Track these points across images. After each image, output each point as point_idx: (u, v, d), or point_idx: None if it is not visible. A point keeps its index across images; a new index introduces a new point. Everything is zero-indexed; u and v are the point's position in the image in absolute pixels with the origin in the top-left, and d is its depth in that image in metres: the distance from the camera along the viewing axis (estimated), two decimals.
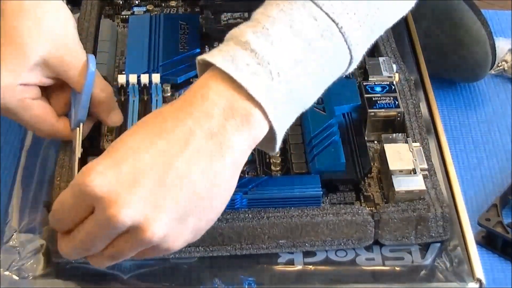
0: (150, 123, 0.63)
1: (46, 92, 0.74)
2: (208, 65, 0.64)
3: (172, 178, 0.61)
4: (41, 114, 0.73)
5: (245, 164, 0.75)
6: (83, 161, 0.75)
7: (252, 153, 0.76)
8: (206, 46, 0.87)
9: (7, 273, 0.69)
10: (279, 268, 0.70)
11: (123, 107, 0.80)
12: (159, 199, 0.61)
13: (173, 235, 0.62)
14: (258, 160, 0.76)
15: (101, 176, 0.61)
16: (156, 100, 0.80)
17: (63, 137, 0.75)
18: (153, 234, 0.61)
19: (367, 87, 0.79)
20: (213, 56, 0.64)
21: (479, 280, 0.69)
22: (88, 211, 0.62)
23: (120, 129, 0.78)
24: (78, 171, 0.64)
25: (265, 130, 0.64)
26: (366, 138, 0.77)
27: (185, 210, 0.62)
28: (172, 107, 0.64)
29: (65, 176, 0.73)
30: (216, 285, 0.69)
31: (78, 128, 0.74)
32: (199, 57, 0.65)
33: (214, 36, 0.89)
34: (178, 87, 0.83)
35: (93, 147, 0.76)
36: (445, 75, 0.95)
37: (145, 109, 0.79)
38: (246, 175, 0.75)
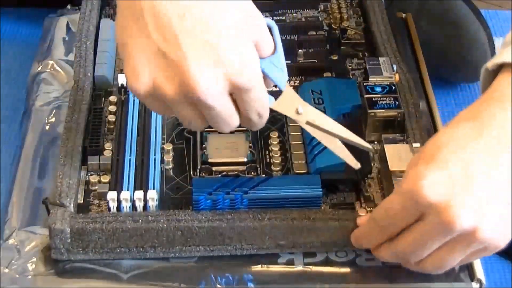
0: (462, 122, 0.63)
1: None
2: (495, 71, 0.64)
3: (500, 177, 0.61)
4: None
5: (245, 164, 0.75)
6: (83, 161, 0.75)
7: (252, 153, 0.76)
8: None
9: (6, 271, 0.69)
10: (279, 268, 0.70)
11: (123, 106, 0.80)
12: (490, 199, 0.61)
13: (501, 232, 0.62)
14: (258, 160, 0.76)
15: (432, 182, 0.60)
16: None
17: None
18: (485, 234, 0.61)
19: (367, 87, 0.79)
20: (502, 56, 0.64)
21: (479, 280, 0.69)
22: (415, 217, 0.62)
23: (120, 129, 0.78)
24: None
25: None
26: (366, 138, 0.77)
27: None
28: (474, 108, 0.63)
29: (66, 173, 0.72)
30: (216, 285, 0.68)
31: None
32: (486, 66, 0.65)
33: None
34: None
35: (93, 147, 0.76)
36: (445, 75, 0.95)
37: (145, 109, 0.79)
38: (246, 175, 0.74)
